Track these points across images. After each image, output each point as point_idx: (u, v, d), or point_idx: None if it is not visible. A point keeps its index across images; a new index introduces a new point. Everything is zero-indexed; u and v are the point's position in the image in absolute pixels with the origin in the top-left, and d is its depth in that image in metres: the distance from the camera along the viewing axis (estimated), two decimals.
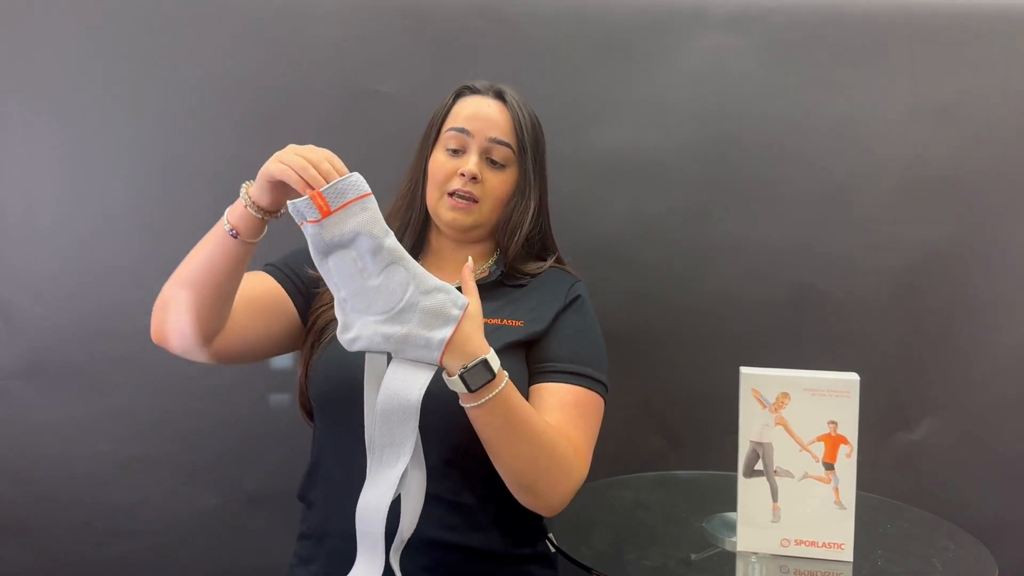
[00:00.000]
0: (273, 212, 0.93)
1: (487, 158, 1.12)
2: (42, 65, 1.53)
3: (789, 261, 1.55)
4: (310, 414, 1.15)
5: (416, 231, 1.17)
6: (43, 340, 1.55)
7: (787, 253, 1.55)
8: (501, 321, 1.09)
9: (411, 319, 0.85)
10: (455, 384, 0.88)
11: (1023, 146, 1.52)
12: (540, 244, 1.21)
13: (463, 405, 0.91)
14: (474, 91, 1.15)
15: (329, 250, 0.84)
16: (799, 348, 1.55)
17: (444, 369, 0.88)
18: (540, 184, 1.17)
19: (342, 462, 1.04)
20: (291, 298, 1.12)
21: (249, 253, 0.97)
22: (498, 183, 1.12)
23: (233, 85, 1.54)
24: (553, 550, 1.14)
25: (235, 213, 0.94)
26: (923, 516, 1.28)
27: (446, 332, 0.85)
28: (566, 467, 1.00)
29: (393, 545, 0.91)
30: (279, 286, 1.11)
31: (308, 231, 0.84)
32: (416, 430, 0.86)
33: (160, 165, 1.55)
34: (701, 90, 1.55)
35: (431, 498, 1.01)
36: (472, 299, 0.89)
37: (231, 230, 0.94)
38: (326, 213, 0.83)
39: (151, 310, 1.52)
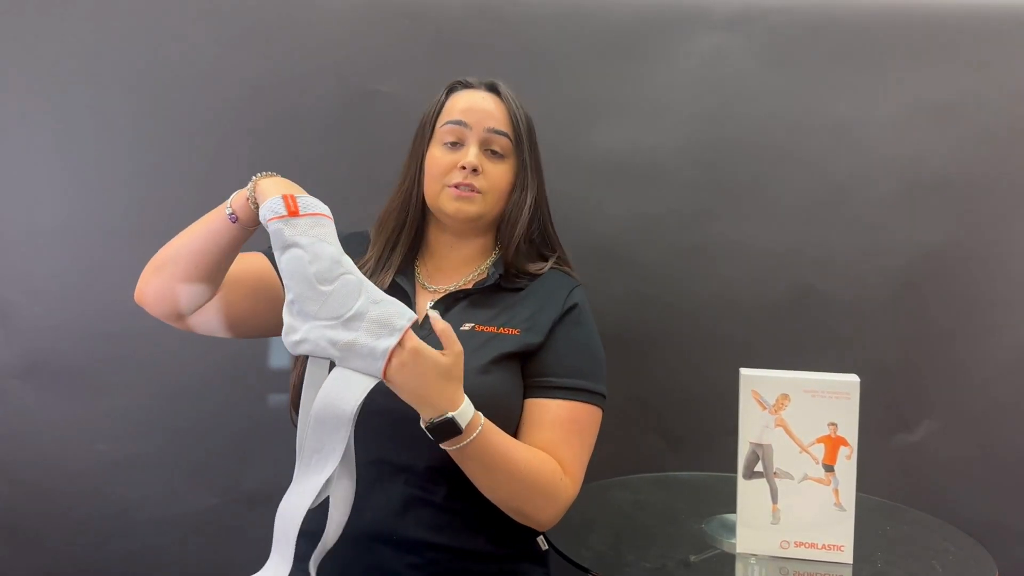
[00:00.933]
0: None
1: (486, 149, 1.11)
2: (41, 66, 1.53)
3: (789, 262, 1.55)
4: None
5: (413, 229, 1.16)
6: (41, 340, 1.55)
7: (787, 254, 1.55)
8: (497, 329, 1.08)
9: (359, 327, 0.85)
10: (427, 432, 0.89)
11: (1022, 147, 1.52)
12: (541, 239, 1.20)
13: (442, 447, 0.92)
14: (467, 85, 1.16)
15: (287, 246, 0.86)
16: (798, 349, 1.55)
17: (388, 383, 0.87)
18: (538, 176, 1.17)
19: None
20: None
21: (243, 238, 0.99)
22: (499, 173, 1.12)
23: (234, 86, 1.54)
24: (544, 548, 1.14)
25: (239, 199, 0.96)
26: (923, 518, 1.28)
27: (391, 341, 0.85)
28: (551, 493, 1.00)
29: (315, 553, 0.92)
30: (272, 269, 1.10)
31: (272, 227, 0.87)
32: (347, 439, 0.86)
33: (159, 165, 1.54)
34: (701, 91, 1.55)
35: (420, 502, 1.01)
36: (455, 349, 0.89)
37: (231, 213, 0.96)
38: (293, 213, 0.87)
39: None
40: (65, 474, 1.56)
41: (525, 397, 1.07)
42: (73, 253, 1.55)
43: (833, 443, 1.07)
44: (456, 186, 1.09)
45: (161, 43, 1.53)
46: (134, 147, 1.54)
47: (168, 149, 1.54)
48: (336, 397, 0.85)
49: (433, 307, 1.11)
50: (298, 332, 0.86)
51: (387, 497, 1.02)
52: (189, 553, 1.58)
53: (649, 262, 1.56)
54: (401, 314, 0.86)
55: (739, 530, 1.10)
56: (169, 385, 1.55)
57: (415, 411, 0.90)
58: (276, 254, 0.87)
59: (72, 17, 1.53)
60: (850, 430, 1.06)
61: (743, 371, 1.09)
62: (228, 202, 0.97)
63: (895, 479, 1.54)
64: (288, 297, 0.86)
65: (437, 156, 1.11)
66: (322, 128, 1.54)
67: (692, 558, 1.09)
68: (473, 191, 1.09)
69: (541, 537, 1.14)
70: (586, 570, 1.05)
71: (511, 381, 1.06)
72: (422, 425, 0.89)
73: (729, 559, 1.09)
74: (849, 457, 1.06)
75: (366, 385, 0.86)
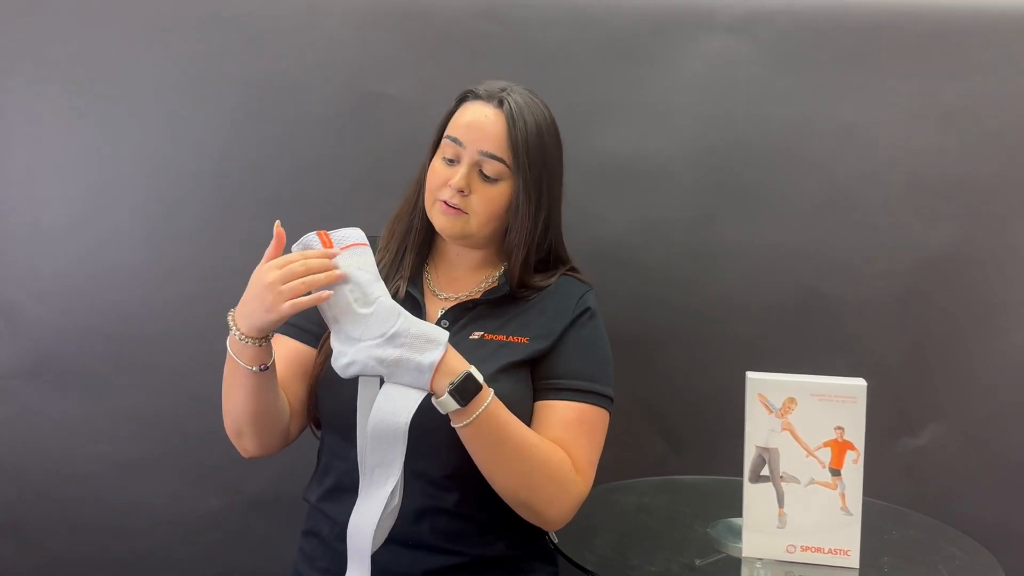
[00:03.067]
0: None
1: (479, 171, 1.08)
2: (46, 67, 1.53)
3: (795, 265, 1.54)
4: (316, 423, 1.16)
5: (421, 235, 1.16)
6: (45, 341, 1.55)
7: (793, 257, 1.54)
8: (506, 338, 1.08)
9: (403, 343, 0.90)
10: (446, 404, 0.91)
11: None
12: (548, 257, 1.17)
13: (454, 426, 0.94)
14: (476, 96, 1.10)
15: (327, 283, 0.91)
16: (805, 353, 1.54)
17: (433, 393, 0.92)
18: (547, 196, 1.11)
19: (351, 477, 1.03)
20: (313, 346, 1.12)
21: (271, 374, 0.99)
22: (488, 198, 1.07)
23: (239, 87, 1.54)
24: (555, 541, 1.14)
25: (236, 347, 0.95)
26: (929, 522, 1.27)
27: (436, 355, 0.91)
28: (562, 481, 1.00)
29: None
30: (297, 343, 1.12)
31: None
32: (404, 451, 0.91)
33: (164, 167, 1.54)
34: (706, 94, 1.55)
35: (435, 510, 1.02)
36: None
37: (254, 368, 0.96)
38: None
39: (153, 311, 1.54)
40: (68, 475, 1.56)
41: (534, 400, 1.07)
42: (78, 254, 1.55)
43: (840, 447, 1.06)
44: (445, 202, 1.08)
45: (167, 45, 1.53)
46: (139, 149, 1.54)
47: (174, 151, 1.54)
48: (390, 412, 0.90)
49: (444, 315, 1.12)
50: (347, 355, 0.91)
51: (403, 504, 1.03)
52: (192, 555, 1.58)
53: (655, 265, 1.55)
54: (439, 331, 0.93)
55: (745, 534, 1.10)
56: (173, 387, 1.55)
57: (430, 421, 0.93)
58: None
59: (79, 19, 1.53)
60: (857, 434, 1.05)
61: (749, 374, 1.08)
62: (236, 359, 0.96)
63: (901, 483, 1.53)
64: (334, 327, 0.91)
65: (436, 169, 1.10)
66: (328, 130, 1.54)
67: (697, 562, 1.09)
68: (460, 211, 1.08)
69: (551, 533, 1.15)
70: (591, 574, 1.05)
71: (521, 388, 1.06)
72: (442, 396, 0.91)
73: (735, 563, 1.09)
74: (856, 461, 1.06)
75: (416, 398, 0.91)
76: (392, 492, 0.92)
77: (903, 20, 1.52)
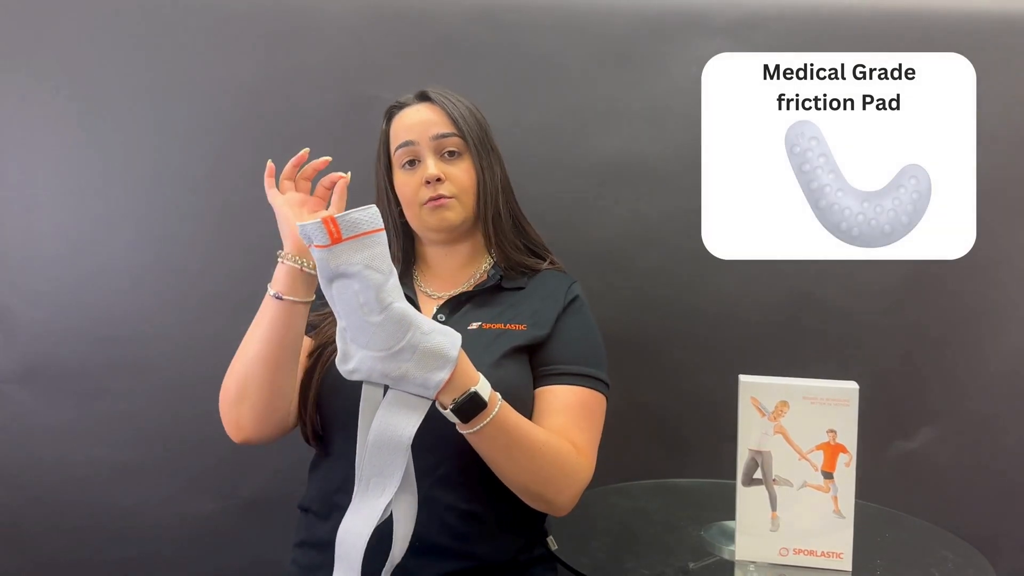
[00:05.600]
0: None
1: (442, 154, 1.12)
2: (41, 68, 1.53)
3: (788, 270, 1.55)
4: (311, 434, 1.13)
5: (400, 242, 1.19)
6: (40, 344, 1.55)
7: (786, 263, 1.54)
8: (505, 326, 1.10)
9: (409, 359, 0.84)
10: (449, 416, 0.90)
11: (1023, 155, 1.53)
12: (514, 229, 1.19)
13: (460, 432, 0.93)
14: (400, 106, 1.17)
15: (334, 277, 0.83)
16: (797, 356, 1.55)
17: (438, 403, 0.89)
18: (500, 166, 1.17)
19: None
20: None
21: (301, 314, 1.01)
22: (461, 173, 1.13)
23: (234, 91, 1.54)
24: (554, 548, 1.14)
25: (276, 274, 1.00)
26: (921, 525, 1.27)
27: (442, 375, 0.86)
28: (570, 471, 1.02)
29: (384, 569, 0.92)
30: (312, 340, 1.12)
31: (315, 254, 0.83)
32: (406, 463, 0.87)
33: (159, 170, 1.55)
34: (700, 98, 1.55)
35: (445, 507, 1.02)
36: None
37: (275, 295, 0.99)
38: (336, 240, 0.81)
39: (148, 315, 1.53)
40: (63, 479, 1.55)
41: (535, 387, 1.10)
42: (72, 258, 1.55)
43: (832, 450, 1.07)
44: (428, 202, 1.11)
45: (163, 49, 1.53)
46: (134, 153, 1.54)
47: (169, 155, 1.54)
48: (394, 423, 0.86)
49: (439, 310, 1.13)
50: (351, 361, 0.86)
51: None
52: (188, 558, 1.57)
53: (649, 268, 1.56)
54: (453, 344, 0.87)
55: (738, 537, 1.10)
56: (168, 390, 1.55)
57: (434, 419, 0.91)
58: (322, 282, 0.84)
59: (74, 22, 1.53)
60: (849, 437, 1.06)
61: (742, 378, 1.09)
62: (270, 291, 1.01)
63: (893, 486, 1.53)
64: (340, 324, 0.86)
65: (402, 180, 1.14)
66: (324, 134, 1.54)
67: (691, 565, 1.09)
68: (443, 199, 1.11)
69: (551, 538, 1.16)
70: None
71: (523, 373, 1.08)
72: (446, 409, 0.89)
73: (728, 566, 1.09)
74: (848, 464, 1.06)
75: (422, 409, 0.87)
76: (389, 503, 0.88)
77: (895, 25, 1.53)
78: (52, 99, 1.53)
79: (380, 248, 0.83)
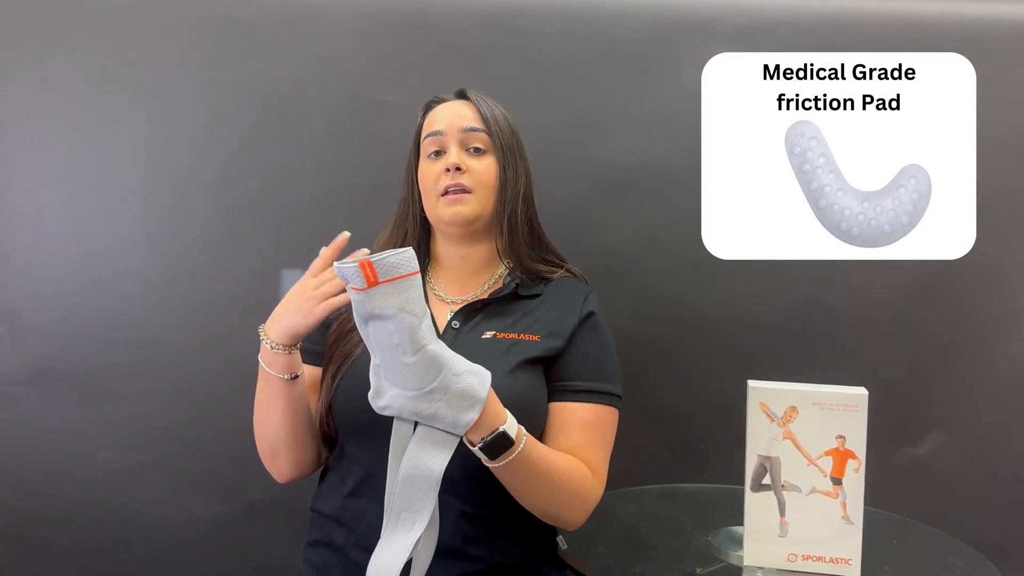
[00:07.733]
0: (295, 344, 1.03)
1: (467, 148, 1.14)
2: (49, 73, 1.53)
3: (796, 274, 1.54)
4: (327, 440, 1.14)
5: (415, 245, 1.17)
6: (47, 346, 1.55)
7: (794, 266, 1.55)
8: (519, 336, 1.09)
9: (440, 399, 0.86)
10: (476, 452, 0.92)
11: None
12: (529, 236, 1.18)
13: (486, 465, 0.94)
14: (439, 101, 1.19)
15: (369, 318, 0.84)
16: (806, 362, 1.54)
17: (467, 440, 0.91)
18: (525, 174, 1.17)
19: (372, 481, 1.04)
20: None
21: (302, 382, 1.06)
22: (484, 168, 1.13)
23: (241, 94, 1.55)
24: (564, 547, 1.15)
25: (268, 357, 1.02)
26: (929, 532, 1.27)
27: (471, 416, 0.87)
28: (584, 495, 1.04)
29: None
30: (315, 368, 1.13)
31: (352, 296, 0.85)
32: (436, 498, 0.88)
33: (166, 172, 1.55)
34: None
35: (455, 511, 1.03)
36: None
37: (283, 377, 1.03)
38: (372, 283, 0.83)
39: (155, 317, 1.54)
40: (70, 480, 1.56)
41: (549, 401, 1.09)
42: (79, 260, 1.55)
43: (841, 456, 1.06)
44: (446, 192, 1.11)
45: (170, 52, 1.54)
46: (141, 155, 1.55)
47: (176, 157, 1.55)
48: (424, 459, 0.88)
49: (453, 316, 1.13)
50: (384, 397, 0.87)
51: None
52: (193, 560, 1.58)
53: (657, 273, 1.56)
54: (483, 384, 0.88)
55: (746, 543, 1.10)
56: (174, 392, 1.55)
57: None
58: (358, 322, 0.85)
59: (80, 25, 1.53)
60: (858, 443, 1.06)
61: (751, 383, 1.09)
62: (268, 369, 1.03)
63: (902, 492, 1.53)
64: (375, 361, 0.87)
65: (425, 170, 1.15)
66: (330, 137, 1.55)
67: (699, 571, 1.08)
68: (463, 191, 1.11)
69: (560, 537, 1.16)
70: None
71: (536, 385, 1.08)
72: (475, 446, 0.91)
73: (736, 572, 1.09)
74: (857, 470, 1.06)
75: (451, 446, 0.89)
76: (419, 538, 0.89)
77: (902, 30, 1.53)
78: (61, 103, 1.54)
79: (415, 291, 0.85)
